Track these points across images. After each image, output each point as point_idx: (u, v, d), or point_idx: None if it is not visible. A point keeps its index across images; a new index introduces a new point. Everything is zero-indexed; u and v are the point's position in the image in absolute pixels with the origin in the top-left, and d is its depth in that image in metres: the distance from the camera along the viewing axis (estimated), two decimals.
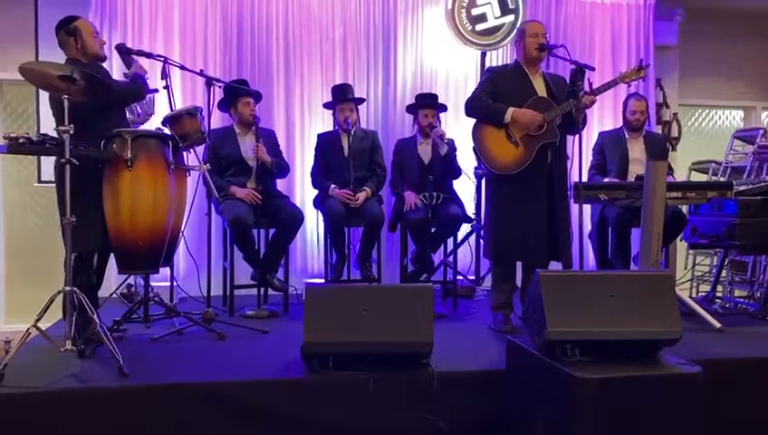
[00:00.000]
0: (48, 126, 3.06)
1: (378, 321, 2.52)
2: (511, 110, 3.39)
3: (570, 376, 2.17)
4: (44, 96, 4.58)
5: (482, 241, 4.67)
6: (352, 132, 4.23)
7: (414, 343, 2.56)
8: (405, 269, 4.33)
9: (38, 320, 2.58)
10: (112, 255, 3.16)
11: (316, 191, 4.45)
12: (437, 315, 3.51)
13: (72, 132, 2.62)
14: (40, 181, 5.22)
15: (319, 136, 4.52)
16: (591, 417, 2.15)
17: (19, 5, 5.09)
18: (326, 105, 4.52)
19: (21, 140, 2.64)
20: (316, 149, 4.49)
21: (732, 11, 6.21)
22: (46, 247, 3.14)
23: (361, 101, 4.53)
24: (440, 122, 4.43)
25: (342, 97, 4.35)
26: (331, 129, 4.53)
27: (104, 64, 3.31)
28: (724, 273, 4.71)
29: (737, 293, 4.88)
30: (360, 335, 2.50)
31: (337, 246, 4.19)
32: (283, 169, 4.27)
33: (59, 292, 2.64)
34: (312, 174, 4.48)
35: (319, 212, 4.36)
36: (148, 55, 3.44)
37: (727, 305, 4.39)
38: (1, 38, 5.10)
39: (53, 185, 3.04)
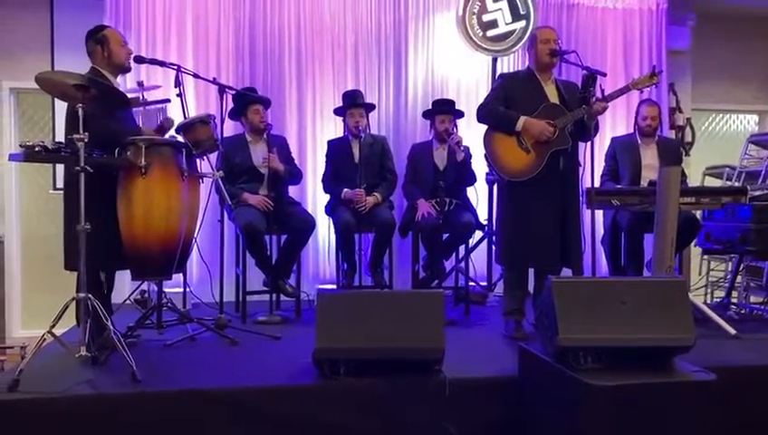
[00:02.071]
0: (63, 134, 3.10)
1: (389, 327, 2.52)
2: (522, 118, 3.38)
3: (582, 383, 2.16)
4: (60, 105, 4.66)
5: (494, 247, 4.67)
6: (362, 138, 4.24)
7: (426, 350, 2.56)
8: (416, 275, 4.32)
9: (53, 326, 2.60)
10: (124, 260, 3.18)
11: (328, 197, 4.47)
12: (449, 322, 3.50)
13: (86, 140, 2.64)
14: (55, 189, 5.29)
15: (329, 142, 4.54)
16: (604, 424, 2.14)
17: (35, 15, 5.16)
18: (336, 111, 4.54)
19: (36, 149, 2.67)
20: (327, 156, 4.51)
21: (744, 15, 6.17)
22: (61, 254, 3.16)
23: (372, 106, 4.54)
24: (457, 128, 4.43)
25: (352, 102, 4.37)
26: (342, 135, 4.56)
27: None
28: (739, 278, 4.67)
29: (753, 299, 4.82)
30: (371, 341, 2.51)
31: (347, 256, 4.21)
32: (295, 175, 4.30)
33: (73, 298, 2.67)
34: (324, 180, 4.50)
35: (330, 219, 4.37)
36: (162, 63, 3.48)
37: (743, 311, 4.35)
38: (17, 47, 5.18)
39: None
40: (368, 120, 4.41)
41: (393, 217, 4.21)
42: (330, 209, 4.38)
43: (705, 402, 2.20)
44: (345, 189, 4.21)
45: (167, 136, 3.46)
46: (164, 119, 3.47)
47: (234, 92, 3.88)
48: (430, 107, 4.56)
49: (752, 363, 2.91)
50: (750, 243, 4.01)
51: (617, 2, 5.47)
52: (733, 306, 4.38)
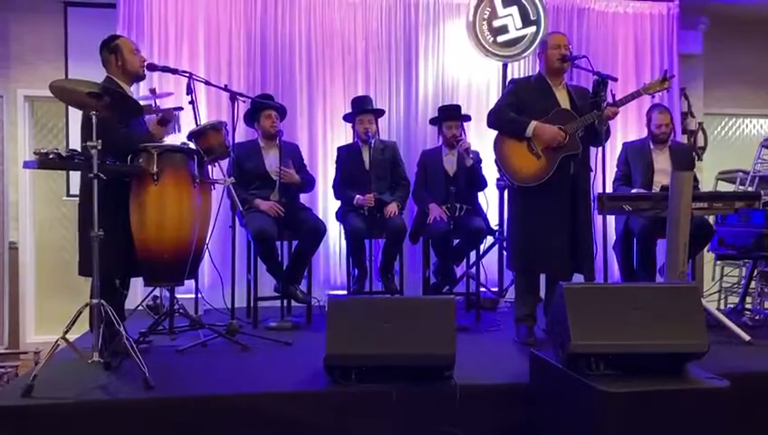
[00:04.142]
0: (78, 142, 3.13)
1: (400, 333, 2.52)
2: (533, 124, 3.38)
3: (594, 390, 2.15)
4: (73, 112, 4.70)
5: (505, 252, 4.65)
6: (372, 144, 4.24)
7: (436, 356, 2.55)
8: (427, 281, 4.33)
9: (66, 332, 2.62)
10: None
11: (339, 203, 4.47)
12: (460, 328, 3.49)
13: (99, 148, 2.67)
14: (69, 195, 5.34)
15: (339, 149, 4.55)
16: (616, 431, 2.12)
17: (49, 23, 5.22)
18: (346, 117, 4.55)
19: (50, 156, 2.70)
20: (337, 162, 4.52)
21: (758, 18, 6.13)
22: (75, 260, 3.19)
23: (381, 112, 4.55)
24: (465, 133, 4.43)
25: (362, 108, 4.38)
26: (351, 141, 4.57)
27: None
28: (753, 284, 4.62)
29: (767, 304, 4.78)
30: (382, 348, 2.51)
31: (358, 261, 4.21)
32: (308, 184, 4.31)
33: (86, 304, 2.69)
34: (334, 186, 4.51)
35: (341, 225, 4.38)
36: (174, 71, 3.50)
37: (757, 317, 4.30)
38: (31, 55, 5.24)
39: None
40: (377, 125, 4.42)
41: (404, 223, 4.22)
42: (340, 215, 4.38)
43: (719, 409, 2.18)
44: (357, 196, 4.21)
45: (172, 131, 3.48)
46: (164, 111, 3.45)
47: (245, 99, 3.90)
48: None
49: (766, 370, 2.88)
50: (764, 248, 3.98)
51: (627, 6, 5.46)
52: (747, 312, 4.34)
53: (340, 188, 4.42)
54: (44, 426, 2.36)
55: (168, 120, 3.44)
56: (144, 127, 3.42)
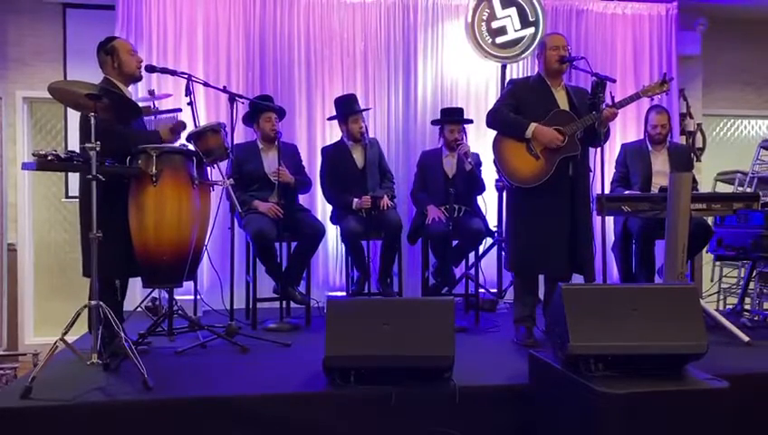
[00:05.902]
0: (76, 143, 3.13)
1: (399, 335, 2.51)
2: (533, 126, 3.38)
3: (593, 391, 2.15)
4: (72, 114, 4.70)
5: (504, 254, 4.65)
6: (367, 143, 4.23)
7: (435, 357, 2.55)
8: (426, 282, 4.32)
9: (65, 333, 2.62)
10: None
11: None
12: (459, 329, 3.50)
13: (98, 149, 2.67)
14: (67, 197, 5.34)
15: (324, 150, 4.46)
16: (615, 432, 2.12)
17: (48, 25, 5.23)
18: (333, 118, 4.51)
19: (49, 157, 2.70)
20: (323, 163, 4.42)
21: (756, 19, 6.14)
22: (74, 262, 3.19)
23: (367, 110, 4.55)
24: (466, 136, 4.43)
25: (353, 109, 4.33)
26: (340, 141, 4.47)
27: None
28: (752, 285, 4.63)
29: (766, 305, 4.78)
30: (381, 349, 2.50)
31: (358, 263, 4.20)
32: (305, 185, 4.30)
33: (85, 306, 2.68)
34: (324, 188, 4.43)
35: (337, 227, 4.36)
36: (173, 72, 3.50)
37: (755, 318, 4.31)
38: (30, 57, 5.24)
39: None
40: (365, 123, 4.41)
41: (399, 218, 4.21)
42: (336, 218, 4.36)
43: (718, 410, 2.18)
44: (355, 199, 4.19)
45: (178, 142, 3.49)
46: (177, 122, 3.48)
47: (244, 101, 3.90)
48: (439, 114, 4.56)
49: (765, 371, 2.88)
50: (763, 249, 3.98)
51: (626, 8, 5.47)
52: (745, 313, 4.34)
53: (332, 191, 4.35)
54: (43, 427, 2.35)
55: (179, 130, 3.43)
56: (144, 128, 3.42)
